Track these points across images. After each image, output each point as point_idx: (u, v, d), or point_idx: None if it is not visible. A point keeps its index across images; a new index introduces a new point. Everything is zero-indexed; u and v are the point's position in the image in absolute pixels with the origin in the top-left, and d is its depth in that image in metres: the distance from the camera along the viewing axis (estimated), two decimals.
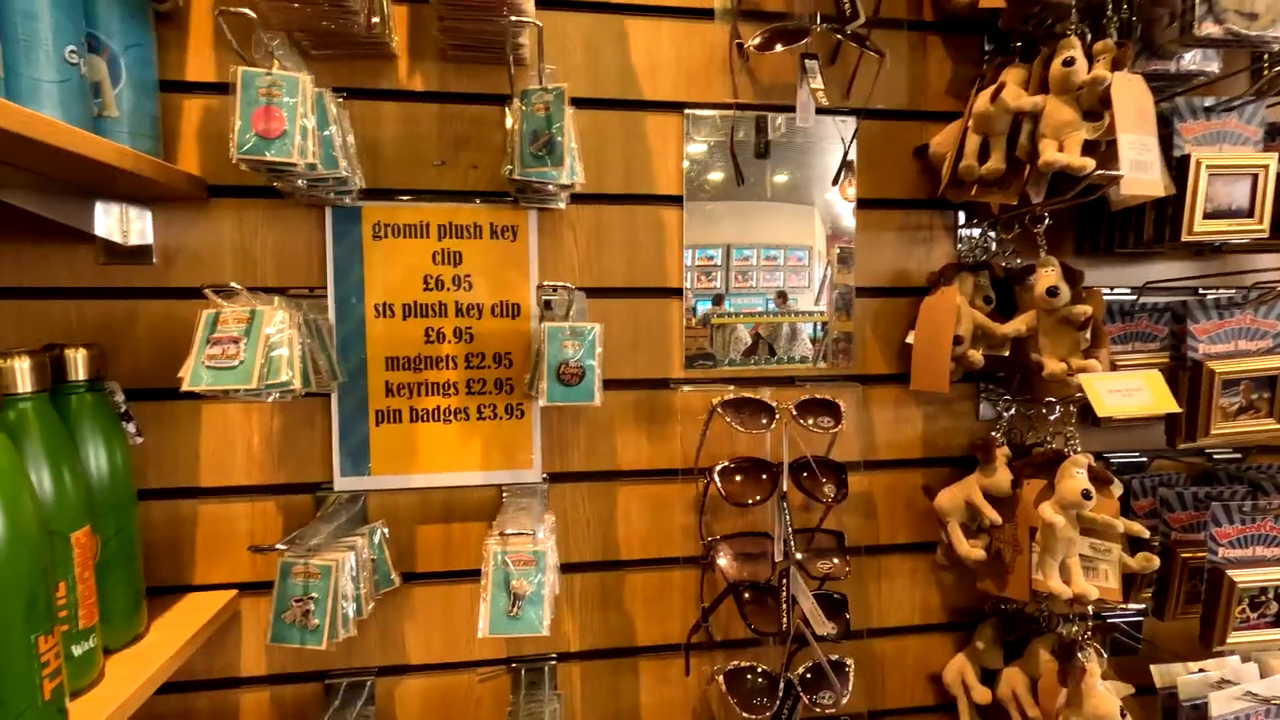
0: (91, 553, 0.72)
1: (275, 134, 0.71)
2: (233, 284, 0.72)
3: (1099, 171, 0.83)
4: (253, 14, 0.70)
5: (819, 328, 1.05)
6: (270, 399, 0.75)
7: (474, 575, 0.99)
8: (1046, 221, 0.97)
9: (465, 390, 0.98)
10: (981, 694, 1.03)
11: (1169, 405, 0.90)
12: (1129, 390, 0.88)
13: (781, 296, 1.04)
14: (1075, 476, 0.92)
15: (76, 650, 0.69)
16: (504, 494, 0.99)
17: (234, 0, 0.73)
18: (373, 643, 0.98)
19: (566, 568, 1.01)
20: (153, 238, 0.91)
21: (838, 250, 1.05)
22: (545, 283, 0.78)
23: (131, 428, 0.85)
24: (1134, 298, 1.08)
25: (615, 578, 1.03)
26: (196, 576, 0.94)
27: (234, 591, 0.94)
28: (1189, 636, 1.06)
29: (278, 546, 0.77)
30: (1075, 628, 0.99)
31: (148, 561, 0.87)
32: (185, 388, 0.69)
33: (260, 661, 0.96)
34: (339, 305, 0.94)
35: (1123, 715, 0.90)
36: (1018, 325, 0.95)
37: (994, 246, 1.07)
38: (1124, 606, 1.10)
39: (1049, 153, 0.85)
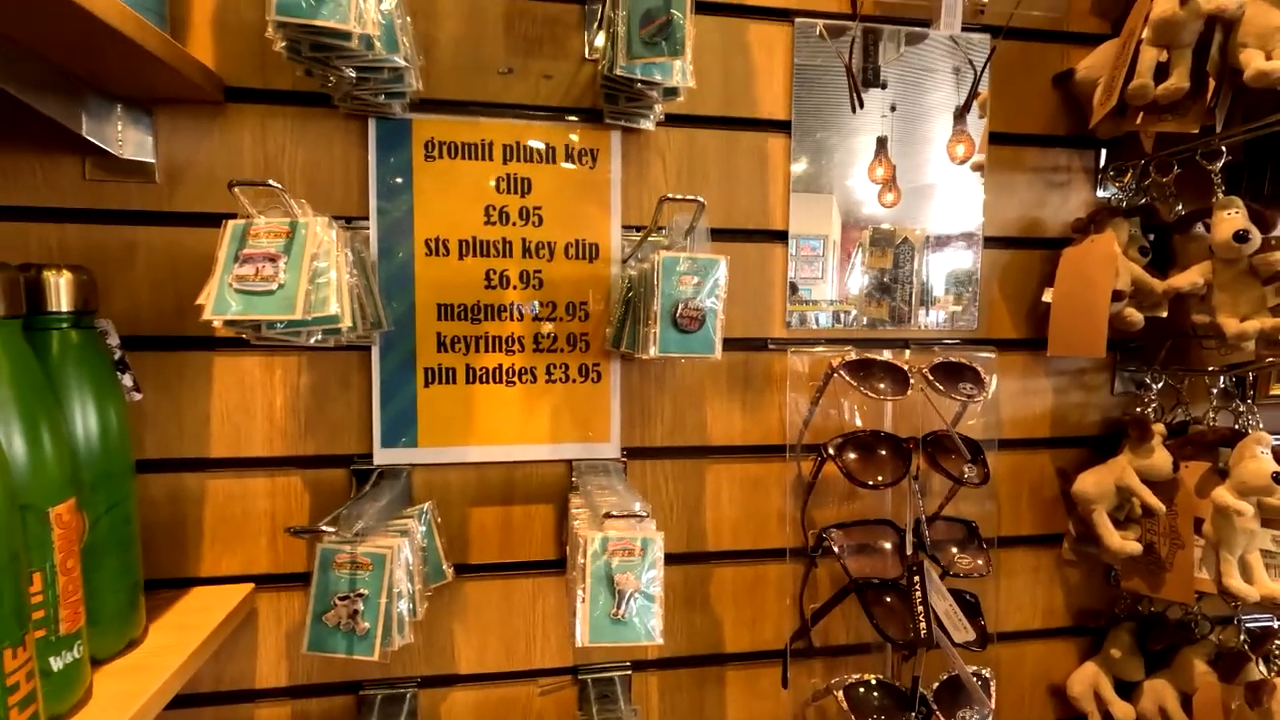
0: (77, 535, 0.55)
1: None
2: (271, 181, 0.55)
3: None
4: None
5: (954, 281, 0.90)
6: (313, 340, 0.58)
7: (537, 567, 0.84)
8: (1225, 157, 0.82)
9: (532, 346, 0.81)
10: (1123, 710, 0.89)
11: None
12: None
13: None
14: (1260, 457, 0.78)
15: (56, 664, 0.52)
16: (573, 472, 0.83)
17: None
18: (416, 647, 0.82)
19: None
20: (155, 150, 0.74)
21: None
22: (670, 196, 0.61)
23: (128, 380, 0.68)
24: None
25: (701, 572, 0.88)
26: (204, 567, 0.77)
27: (250, 585, 0.77)
28: None
29: (321, 528, 0.60)
30: (1239, 635, 0.85)
31: (146, 548, 0.70)
32: (207, 316, 0.52)
33: (280, 670, 0.79)
34: (383, 240, 0.78)
35: None
36: (1192, 277, 0.81)
37: (1145, 191, 0.91)
38: None
39: (1258, 62, 0.70)
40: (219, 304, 0.52)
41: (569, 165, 0.81)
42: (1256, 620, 0.95)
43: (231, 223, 0.56)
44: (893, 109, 0.89)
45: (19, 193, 0.71)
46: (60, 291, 0.58)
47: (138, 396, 0.70)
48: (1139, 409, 0.91)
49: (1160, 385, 0.92)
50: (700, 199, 0.61)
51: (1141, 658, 0.92)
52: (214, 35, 0.74)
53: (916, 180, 0.90)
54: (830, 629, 0.90)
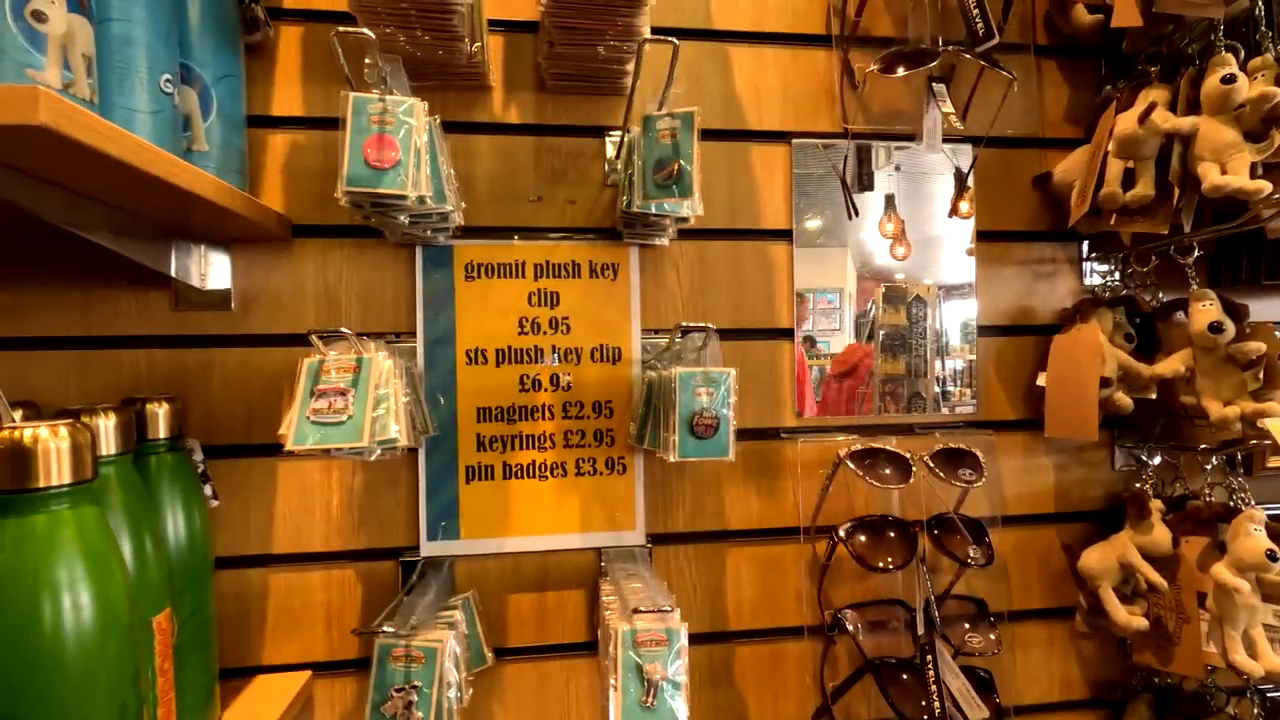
0: (170, 639, 0.63)
1: (388, 164, 0.65)
2: (342, 329, 0.64)
3: None
4: (371, 34, 0.64)
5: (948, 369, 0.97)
6: (373, 457, 0.66)
7: (569, 650, 0.89)
8: (1197, 252, 0.89)
9: (563, 443, 0.89)
10: None
11: None
12: None
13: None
14: (1254, 535, 0.82)
15: None
16: (602, 559, 0.89)
17: (348, 22, 0.68)
18: None
19: None
20: (231, 282, 0.84)
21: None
22: (684, 324, 0.70)
23: (209, 489, 0.76)
24: None
25: (724, 651, 0.92)
26: (266, 655, 0.84)
27: (308, 673, 0.84)
28: None
29: (383, 629, 0.67)
30: (1254, 708, 0.88)
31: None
32: (290, 446, 0.61)
33: None
34: (428, 351, 0.87)
35: None
36: (1174, 365, 0.87)
37: (1127, 280, 0.98)
38: None
39: (1213, 176, 0.78)
40: (299, 435, 0.61)
41: (593, 278, 0.90)
42: (1274, 690, 0.96)
43: (306, 360, 0.65)
44: (897, 168, 0.97)
45: (116, 323, 0.82)
46: (160, 421, 0.68)
47: (215, 504, 0.79)
48: (1137, 485, 0.95)
49: (1157, 461, 0.96)
50: (710, 326, 0.69)
51: None
52: (284, 182, 0.85)
53: (925, 232, 0.97)
54: (851, 705, 0.93)
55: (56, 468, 0.45)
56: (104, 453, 0.58)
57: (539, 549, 0.88)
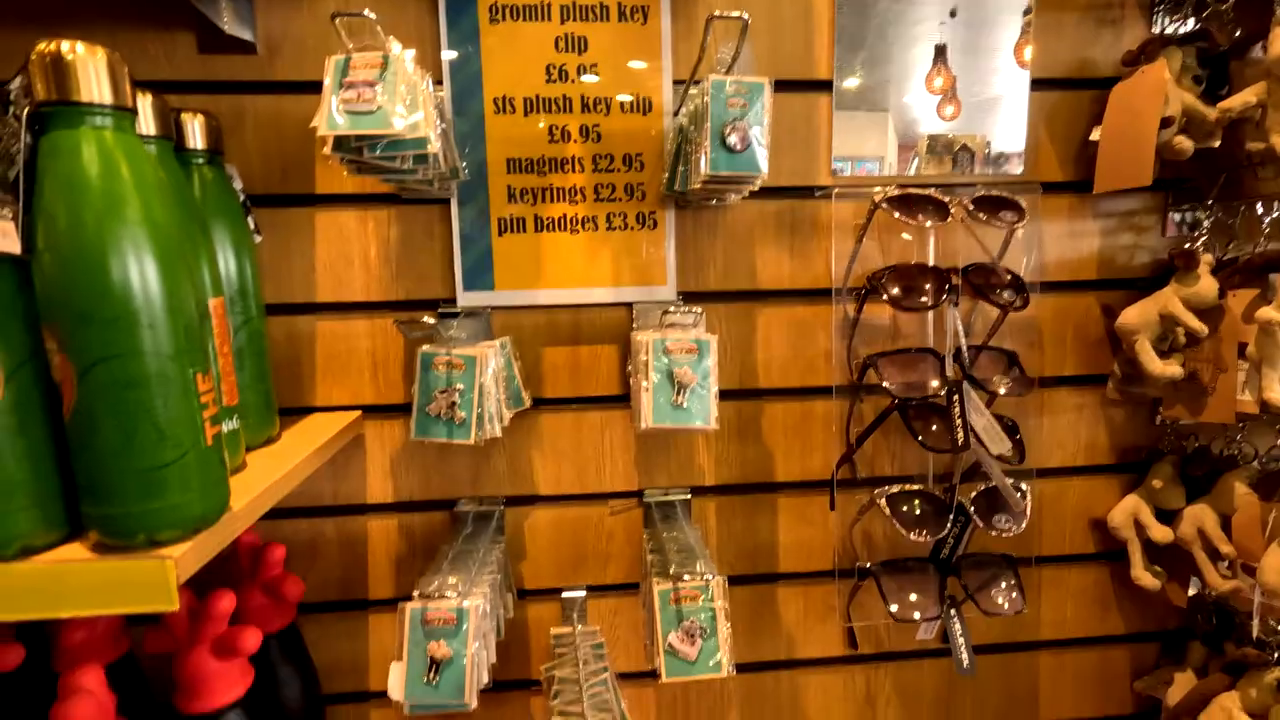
0: (227, 329, 0.66)
1: None
2: (366, 11, 0.63)
3: None
4: None
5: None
6: (405, 165, 0.66)
7: (603, 401, 0.93)
8: None
9: (593, 196, 0.89)
10: (1162, 532, 0.93)
11: None
12: None
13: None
14: None
15: (225, 426, 0.64)
16: (634, 315, 0.91)
17: None
18: (501, 470, 0.93)
19: None
20: (255, 23, 0.82)
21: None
22: (718, 13, 0.66)
23: (251, 222, 0.78)
24: None
25: (753, 408, 0.95)
26: (319, 398, 0.90)
27: (358, 413, 0.89)
28: None
29: (424, 320, 0.70)
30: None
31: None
32: (322, 132, 0.61)
33: (387, 489, 0.92)
34: (456, 99, 0.85)
35: None
36: (1245, 98, 0.81)
37: (1202, 20, 0.90)
38: None
39: None
40: (330, 122, 0.61)
41: (623, 21, 0.86)
42: None
43: (333, 56, 0.64)
44: (952, 14, 0.90)
45: (143, 65, 0.82)
46: (196, 131, 0.68)
47: (259, 238, 0.81)
48: (1188, 245, 0.92)
49: (1211, 220, 0.92)
50: (744, 15, 0.66)
51: (1183, 487, 0.95)
52: None
53: (980, 93, 0.91)
54: (876, 461, 0.97)
55: (96, 85, 0.46)
56: (145, 131, 0.59)
57: (571, 302, 0.90)
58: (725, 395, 0.94)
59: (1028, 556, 1.00)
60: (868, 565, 0.92)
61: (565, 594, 0.95)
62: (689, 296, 0.92)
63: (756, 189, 0.77)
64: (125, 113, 0.47)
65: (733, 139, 0.68)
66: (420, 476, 0.92)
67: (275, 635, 0.82)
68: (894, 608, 0.87)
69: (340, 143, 0.65)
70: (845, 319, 0.93)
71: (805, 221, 0.92)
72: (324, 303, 0.88)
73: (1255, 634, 0.85)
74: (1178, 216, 0.96)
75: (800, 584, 0.99)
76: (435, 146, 0.66)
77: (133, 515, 0.48)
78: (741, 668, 0.99)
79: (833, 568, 0.98)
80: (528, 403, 0.88)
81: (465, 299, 0.89)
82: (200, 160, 0.69)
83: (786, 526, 0.98)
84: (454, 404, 0.71)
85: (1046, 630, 1.03)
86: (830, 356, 0.94)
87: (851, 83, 0.89)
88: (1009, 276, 0.85)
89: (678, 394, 0.69)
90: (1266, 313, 0.80)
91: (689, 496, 0.95)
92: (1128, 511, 0.97)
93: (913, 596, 0.88)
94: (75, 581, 0.48)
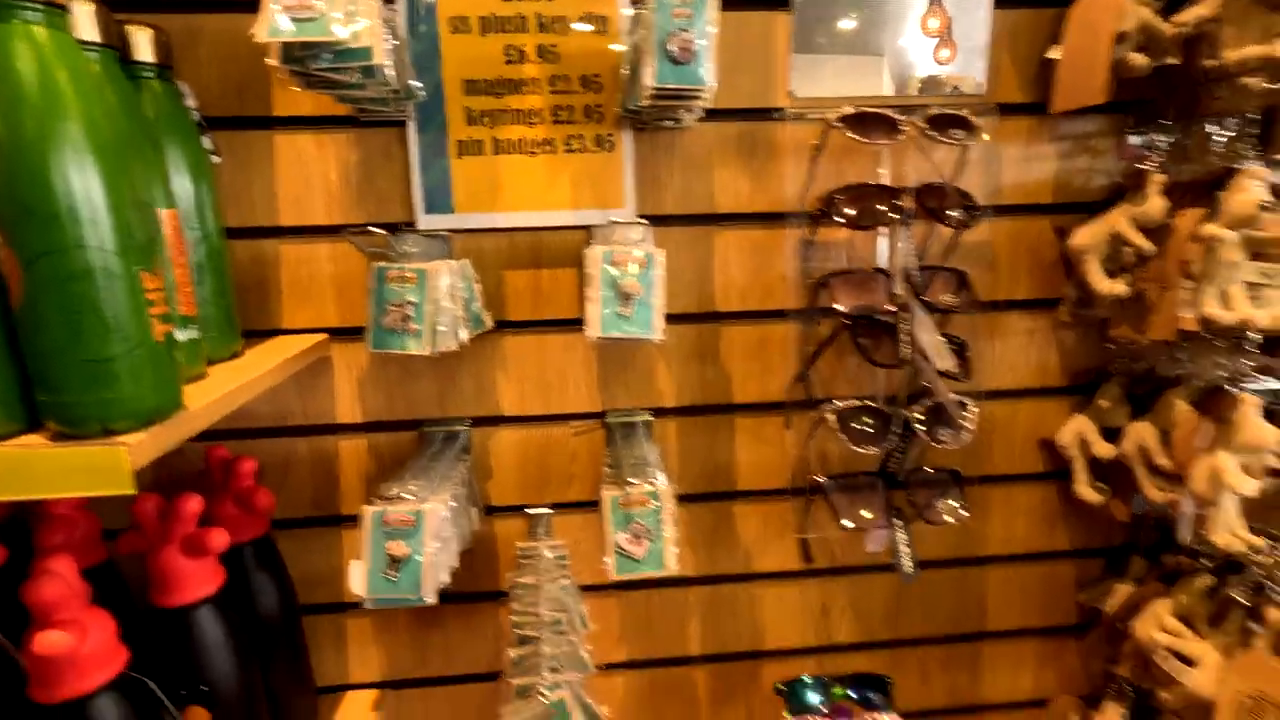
0: (182, 242, 0.68)
1: None
2: None
3: None
4: None
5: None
6: (354, 79, 0.67)
7: (565, 324, 0.95)
8: None
9: (551, 119, 0.89)
10: (1105, 448, 0.97)
11: None
12: None
13: None
14: (1249, 188, 0.80)
15: (181, 335, 0.66)
16: (591, 236, 0.92)
17: None
18: (466, 392, 0.96)
19: None
20: None
21: None
22: None
23: (208, 141, 0.79)
24: None
25: (712, 331, 0.97)
26: (285, 320, 0.92)
27: (324, 335, 0.91)
28: None
29: (375, 230, 0.72)
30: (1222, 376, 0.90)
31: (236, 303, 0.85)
32: (261, 39, 0.61)
33: (355, 409, 0.95)
34: (411, 17, 0.85)
35: None
36: (1199, 11, 0.80)
37: None
38: None
39: None
40: (270, 28, 0.61)
41: None
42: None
43: None
44: None
45: None
46: (143, 44, 0.69)
47: (218, 160, 0.82)
48: (1140, 165, 0.93)
49: (1171, 141, 0.93)
50: None
51: (1129, 407, 0.98)
52: None
53: (976, 38, 0.90)
54: (832, 383, 0.99)
55: None
56: (85, 37, 0.59)
57: (531, 225, 0.91)
58: (684, 318, 0.96)
59: (979, 475, 1.04)
60: (820, 480, 0.96)
61: (530, 511, 0.99)
62: (648, 220, 0.93)
63: (707, 106, 0.77)
64: (55, 9, 0.48)
65: (673, 48, 0.68)
66: (387, 398, 0.94)
67: (250, 544, 0.86)
68: (843, 520, 0.91)
69: (288, 55, 0.66)
70: (803, 242, 0.94)
71: (764, 144, 0.93)
72: (287, 226, 0.89)
73: (1186, 540, 0.89)
74: (1137, 139, 0.96)
75: (759, 501, 1.03)
76: (381, 59, 0.66)
77: (84, 404, 0.50)
78: (701, 580, 1.04)
79: (789, 485, 1.02)
80: (489, 324, 0.90)
81: (425, 221, 0.90)
82: (149, 74, 0.69)
83: (745, 446, 1.01)
84: (407, 317, 0.73)
85: (995, 546, 1.08)
86: (787, 282, 0.96)
87: (848, 24, 0.89)
88: (960, 196, 0.86)
89: (624, 305, 0.71)
90: (1208, 228, 0.81)
91: (650, 417, 0.98)
92: (1075, 431, 1.00)
93: (860, 510, 0.92)
94: (37, 466, 0.51)
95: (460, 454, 0.94)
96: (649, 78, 0.69)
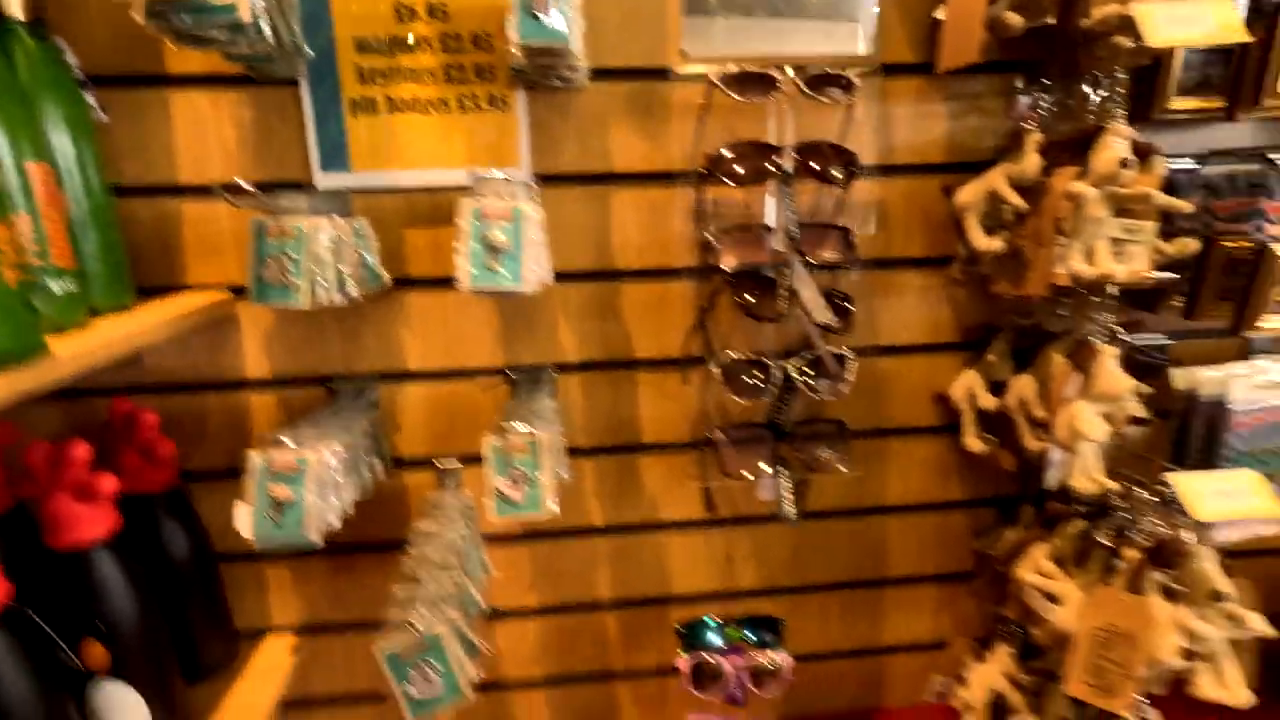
0: (53, 195, 0.70)
1: None
2: None
3: None
4: None
5: None
6: (222, 36, 0.68)
7: None
8: None
9: (444, 78, 0.90)
10: (989, 400, 1.01)
11: (1235, 34, 0.78)
12: (1189, 19, 0.76)
13: None
14: (1112, 146, 0.83)
15: (56, 287, 0.68)
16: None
17: None
18: (372, 348, 0.98)
19: (560, 276, 0.97)
20: None
21: None
22: None
23: (91, 99, 0.80)
24: None
25: (611, 289, 1.00)
26: (190, 278, 0.94)
27: (229, 294, 0.93)
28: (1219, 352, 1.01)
29: (251, 190, 0.74)
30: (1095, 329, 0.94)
31: (138, 262, 0.87)
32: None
33: (264, 365, 0.97)
34: None
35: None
36: None
37: None
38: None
39: None
40: None
41: None
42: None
43: None
44: None
45: None
46: (12, 0, 0.70)
47: (104, 118, 0.83)
48: (1025, 122, 0.95)
49: (1052, 102, 0.95)
50: None
51: (1014, 361, 1.02)
52: None
53: None
54: (731, 339, 1.02)
55: None
56: None
57: (429, 184, 0.93)
58: (584, 276, 0.99)
59: (876, 429, 1.08)
60: (714, 432, 1.00)
61: (440, 464, 1.02)
62: (544, 180, 0.95)
63: (584, 64, 0.79)
64: None
65: (537, 8, 0.70)
66: (293, 354, 0.97)
67: (158, 495, 0.89)
68: (728, 469, 0.95)
69: (151, 10, 0.67)
70: (699, 200, 0.97)
71: (658, 104, 0.95)
72: (186, 185, 0.91)
73: (1053, 486, 0.94)
74: (1026, 99, 0.98)
75: (662, 454, 1.06)
76: (247, 16, 0.68)
77: None
78: (609, 530, 1.08)
79: (690, 438, 1.05)
80: (388, 281, 0.92)
81: (322, 179, 0.92)
82: (20, 29, 0.70)
83: (648, 400, 1.05)
84: (286, 270, 0.75)
85: (892, 497, 1.12)
86: (683, 240, 0.99)
87: None
88: (840, 154, 0.88)
89: (492, 257, 0.73)
90: (1075, 186, 0.84)
91: (553, 373, 1.01)
92: (965, 385, 1.04)
93: (749, 460, 0.96)
94: None
95: (368, 409, 0.97)
96: (511, 31, 0.71)
